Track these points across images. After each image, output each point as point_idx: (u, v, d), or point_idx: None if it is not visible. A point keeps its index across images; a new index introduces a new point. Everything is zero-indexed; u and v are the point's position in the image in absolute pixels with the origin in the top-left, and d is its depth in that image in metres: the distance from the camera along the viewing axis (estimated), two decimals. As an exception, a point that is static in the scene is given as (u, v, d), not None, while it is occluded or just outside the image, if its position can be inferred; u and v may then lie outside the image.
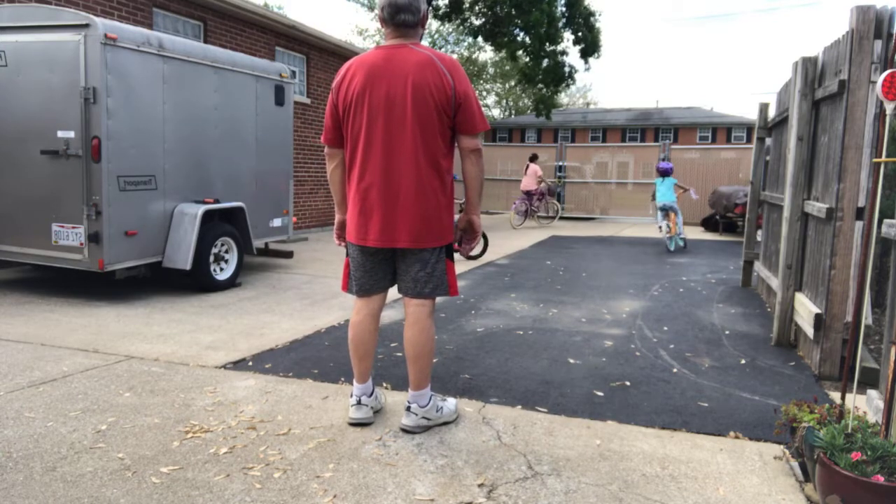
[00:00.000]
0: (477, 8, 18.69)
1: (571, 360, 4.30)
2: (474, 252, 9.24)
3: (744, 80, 79.66)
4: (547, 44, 18.15)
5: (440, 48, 32.94)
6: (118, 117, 5.52)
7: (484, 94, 42.79)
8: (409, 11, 2.88)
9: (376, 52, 2.92)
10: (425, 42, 3.01)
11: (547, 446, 2.94)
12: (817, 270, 4.40)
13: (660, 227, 10.82)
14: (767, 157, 7.24)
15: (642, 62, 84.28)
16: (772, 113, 6.99)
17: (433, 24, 29.39)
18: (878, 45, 3.90)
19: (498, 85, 43.56)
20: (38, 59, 5.52)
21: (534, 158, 15.30)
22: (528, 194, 14.98)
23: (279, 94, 7.52)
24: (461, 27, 19.89)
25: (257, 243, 7.33)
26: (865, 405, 3.23)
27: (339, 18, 71.39)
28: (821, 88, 4.58)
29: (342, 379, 3.80)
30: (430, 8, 17.81)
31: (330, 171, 3.16)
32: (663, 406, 3.50)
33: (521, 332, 5.02)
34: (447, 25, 30.66)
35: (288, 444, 2.89)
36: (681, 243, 11.03)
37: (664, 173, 11.10)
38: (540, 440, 3.01)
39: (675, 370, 4.15)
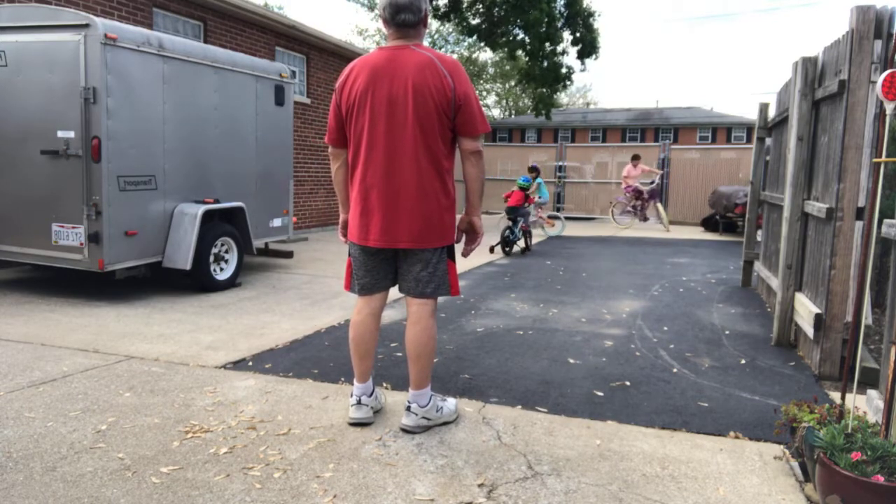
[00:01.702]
0: (475, 8, 18.70)
1: (571, 360, 4.30)
2: (519, 247, 10.34)
3: (744, 80, 79.71)
4: (547, 44, 18.16)
5: (440, 48, 32.95)
6: (118, 117, 5.52)
7: (484, 94, 42.81)
8: (410, 11, 2.88)
9: (379, 53, 2.93)
10: (425, 42, 3.01)
11: (547, 446, 2.94)
12: (817, 270, 4.40)
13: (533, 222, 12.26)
14: (767, 157, 7.24)
15: (642, 62, 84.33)
16: (772, 113, 6.99)
17: (433, 23, 29.39)
18: (878, 45, 3.90)
19: (498, 85, 43.59)
20: (38, 59, 5.52)
21: (636, 158, 14.68)
22: (637, 192, 14.48)
23: (279, 94, 7.52)
24: (459, 27, 19.90)
25: (257, 243, 7.33)
26: (865, 405, 3.23)
27: (339, 18, 71.50)
28: (821, 88, 4.58)
29: (342, 379, 3.80)
30: (430, 8, 17.80)
31: (334, 172, 3.17)
32: (663, 406, 3.50)
33: (521, 332, 5.02)
34: (447, 25, 30.69)
35: (288, 444, 2.89)
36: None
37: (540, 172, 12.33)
38: (540, 440, 3.01)
39: (675, 370, 4.15)
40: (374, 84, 2.88)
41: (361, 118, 2.92)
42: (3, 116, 5.73)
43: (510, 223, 9.87)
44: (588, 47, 19.05)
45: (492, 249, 9.91)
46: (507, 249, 9.77)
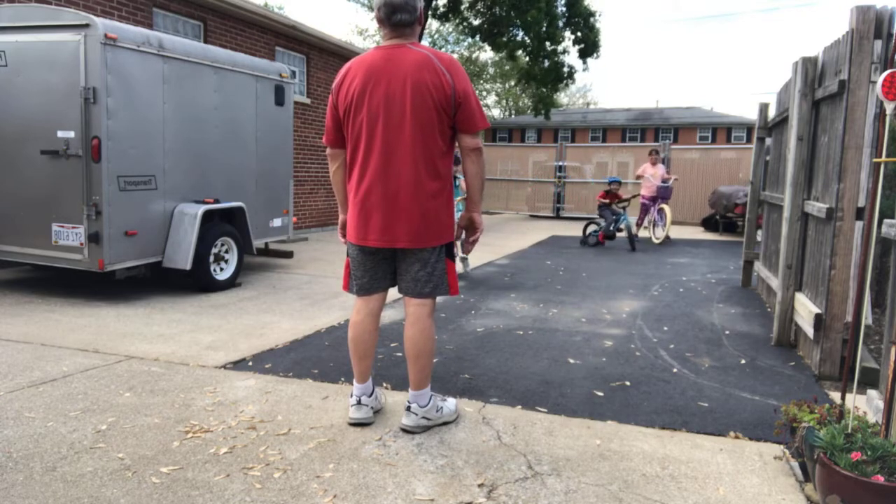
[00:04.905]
0: (476, 8, 18.72)
1: (571, 360, 4.30)
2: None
3: (744, 80, 79.75)
4: (547, 43, 18.19)
5: (440, 48, 32.94)
6: (118, 117, 5.51)
7: (484, 94, 42.81)
8: (405, 10, 2.88)
9: (375, 53, 2.92)
10: (425, 42, 2.99)
11: (547, 446, 2.94)
12: (817, 270, 4.40)
13: None
14: (767, 157, 7.24)
15: (642, 62, 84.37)
16: (772, 113, 6.99)
17: (433, 24, 29.39)
18: (878, 45, 3.90)
19: (498, 85, 43.59)
20: (38, 59, 5.52)
21: (655, 153, 12.05)
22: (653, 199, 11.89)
23: (279, 94, 7.52)
24: (460, 27, 19.94)
25: (257, 243, 7.33)
26: (865, 405, 3.23)
27: (339, 18, 71.48)
28: (821, 88, 4.58)
29: (342, 379, 3.80)
30: (430, 8, 17.81)
31: (332, 172, 3.16)
32: (663, 406, 3.50)
33: (521, 332, 5.02)
34: (447, 25, 30.70)
35: (288, 444, 2.89)
36: None
37: None
38: (540, 440, 3.00)
39: (675, 370, 4.15)
40: (371, 83, 2.87)
41: (359, 118, 2.91)
42: (3, 116, 5.72)
43: (614, 216, 11.27)
44: (590, 47, 19.07)
45: (600, 238, 11.36)
46: (607, 235, 11.34)
